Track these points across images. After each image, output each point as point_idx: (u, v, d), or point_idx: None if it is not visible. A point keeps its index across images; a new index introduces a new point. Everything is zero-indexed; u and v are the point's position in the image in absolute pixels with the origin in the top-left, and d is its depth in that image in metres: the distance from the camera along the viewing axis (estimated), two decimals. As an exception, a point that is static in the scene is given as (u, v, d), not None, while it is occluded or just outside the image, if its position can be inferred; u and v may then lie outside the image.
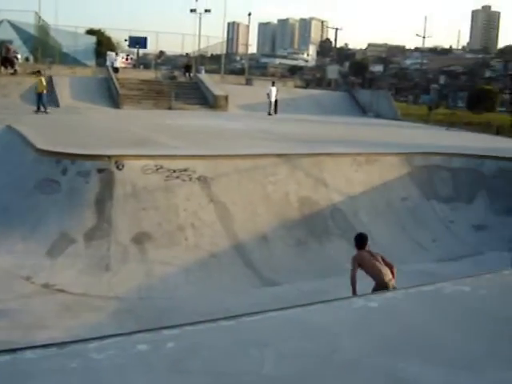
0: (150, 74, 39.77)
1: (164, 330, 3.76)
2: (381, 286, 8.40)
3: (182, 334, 3.70)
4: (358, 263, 8.93)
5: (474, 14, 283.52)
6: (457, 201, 16.28)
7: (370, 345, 3.74)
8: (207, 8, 52.53)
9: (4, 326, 8.32)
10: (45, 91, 25.31)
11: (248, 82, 42.93)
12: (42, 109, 24.90)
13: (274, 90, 31.89)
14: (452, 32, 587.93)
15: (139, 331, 3.80)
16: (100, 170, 12.39)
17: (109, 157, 12.62)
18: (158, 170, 12.58)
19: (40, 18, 42.27)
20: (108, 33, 59.66)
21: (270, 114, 31.16)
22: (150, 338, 3.62)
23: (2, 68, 32.18)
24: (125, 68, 41.68)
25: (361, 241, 9.42)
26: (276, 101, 31.94)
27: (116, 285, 10.38)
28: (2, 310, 8.95)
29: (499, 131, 34.82)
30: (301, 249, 12.72)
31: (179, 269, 11.14)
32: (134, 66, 46.53)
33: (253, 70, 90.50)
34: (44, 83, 25.34)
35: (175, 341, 3.54)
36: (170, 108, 31.89)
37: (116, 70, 36.50)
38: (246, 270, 11.60)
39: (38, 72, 27.28)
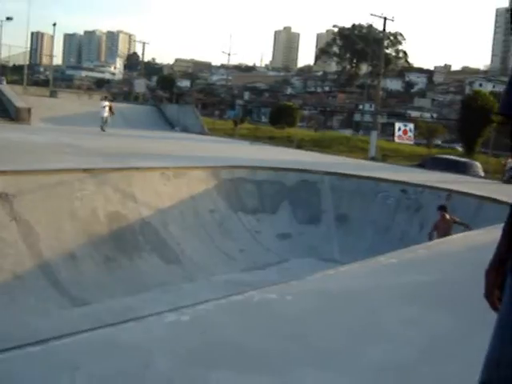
0: None
1: (-36, 361, 3.51)
2: None
3: (-16, 363, 3.48)
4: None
5: (276, 34, 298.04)
6: (262, 212, 16.99)
7: (183, 358, 3.78)
8: (9, 16, 50.02)
9: None
10: None
11: (52, 95, 41.46)
12: None
13: (106, 103, 31.17)
14: (255, 50, 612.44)
15: None
16: None
17: None
18: (-48, 187, 11.66)
19: None
20: None
21: (103, 130, 30.24)
22: None
23: None
24: None
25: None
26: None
27: None
28: None
29: (299, 145, 36.88)
30: (110, 265, 12.47)
31: (-21, 293, 10.40)
32: None
33: (58, 81, 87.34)
34: None
35: (-23, 371, 3.32)
36: (-35, 120, 29.79)
37: None
38: (53, 290, 11.12)
39: None
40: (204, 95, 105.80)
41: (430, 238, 11.88)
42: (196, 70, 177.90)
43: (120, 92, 79.40)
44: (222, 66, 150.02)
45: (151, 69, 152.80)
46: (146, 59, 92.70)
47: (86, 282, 11.60)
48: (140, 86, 55.83)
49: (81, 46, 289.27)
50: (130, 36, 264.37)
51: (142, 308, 9.84)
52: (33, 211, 12.33)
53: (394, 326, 4.80)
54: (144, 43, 67.99)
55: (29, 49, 54.55)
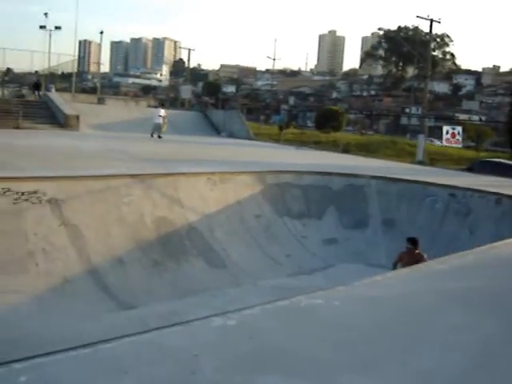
0: (-5, 92, 37.90)
1: (15, 364, 3.56)
2: None
3: (34, 366, 3.52)
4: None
5: (321, 38, 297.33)
6: (308, 216, 16.92)
7: (229, 363, 3.77)
8: (57, 25, 51.15)
9: None
10: None
11: (100, 101, 42.15)
12: None
13: (162, 111, 31.47)
14: (300, 55, 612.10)
15: (-13, 366, 3.57)
16: None
17: (-51, 180, 11.83)
18: (5, 192, 11.93)
19: None
20: None
21: (152, 136, 30.52)
22: (0, 373, 3.41)
23: None
24: (-33, 86, 39.44)
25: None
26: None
27: (-41, 317, 9.70)
28: None
29: (346, 149, 36.65)
30: (157, 270, 12.59)
31: (30, 296, 10.61)
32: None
33: (105, 88, 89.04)
34: None
35: (27, 374, 3.36)
36: (17, 127, 30.45)
37: (-43, 87, 34.53)
38: (102, 294, 11.29)
39: None
40: (249, 100, 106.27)
41: (394, 269, 10.81)
42: (241, 76, 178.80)
43: (166, 98, 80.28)
44: (267, 71, 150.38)
45: (197, 75, 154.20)
46: (191, 65, 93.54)
47: (133, 286, 11.73)
48: (186, 92, 56.26)
49: (127, 53, 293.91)
50: (175, 42, 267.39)
51: (188, 312, 9.89)
52: (81, 216, 12.55)
53: (444, 332, 4.70)
54: (189, 50, 68.55)
55: (77, 57, 55.67)
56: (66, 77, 57.35)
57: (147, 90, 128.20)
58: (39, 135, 27.12)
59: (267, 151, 28.23)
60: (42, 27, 51.04)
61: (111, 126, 33.21)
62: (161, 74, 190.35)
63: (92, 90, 75.66)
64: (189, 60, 72.45)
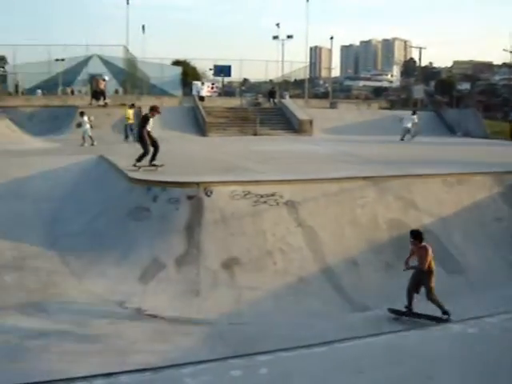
0: (234, 102, 40.48)
1: (257, 356, 3.77)
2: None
3: (275, 360, 3.69)
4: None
5: None
6: (556, 220, 15.55)
7: (468, 373, 3.62)
8: (289, 34, 53.34)
9: (98, 350, 8.51)
10: (130, 121, 26.58)
11: (332, 106, 42.90)
12: (131, 138, 25.73)
13: (414, 118, 31.31)
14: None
15: (232, 357, 3.82)
16: (189, 197, 12.68)
17: (198, 184, 12.90)
18: (245, 195, 12.73)
19: (128, 51, 44.03)
20: (193, 63, 61.37)
21: (402, 140, 30.46)
22: (244, 363, 3.63)
23: (93, 100, 33.53)
24: (210, 96, 42.59)
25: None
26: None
27: (206, 310, 10.50)
28: (95, 334, 9.17)
29: None
30: (389, 273, 12.45)
31: (268, 294, 11.14)
32: (220, 95, 47.45)
33: (336, 93, 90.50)
34: (129, 114, 26.69)
35: (268, 367, 3.53)
36: (255, 134, 32.23)
37: (202, 98, 37.38)
38: (336, 294, 11.47)
39: (132, 105, 28.63)
40: (485, 97, 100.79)
41: (407, 263, 10.67)
42: (476, 71, 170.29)
43: (398, 99, 79.33)
44: (505, 65, 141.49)
45: (428, 73, 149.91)
46: (422, 64, 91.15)
47: (366, 288, 11.75)
48: (418, 91, 55.05)
49: (357, 56, 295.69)
50: (405, 42, 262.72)
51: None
52: (316, 218, 12.90)
53: None
54: (420, 48, 66.88)
55: (308, 63, 57.43)
56: (298, 83, 59.54)
57: (378, 92, 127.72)
58: (274, 141, 28.41)
59: (506, 150, 26.56)
60: (274, 37, 53.66)
61: (343, 130, 33.65)
62: (391, 75, 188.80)
63: (323, 95, 77.44)
64: (420, 59, 70.38)
